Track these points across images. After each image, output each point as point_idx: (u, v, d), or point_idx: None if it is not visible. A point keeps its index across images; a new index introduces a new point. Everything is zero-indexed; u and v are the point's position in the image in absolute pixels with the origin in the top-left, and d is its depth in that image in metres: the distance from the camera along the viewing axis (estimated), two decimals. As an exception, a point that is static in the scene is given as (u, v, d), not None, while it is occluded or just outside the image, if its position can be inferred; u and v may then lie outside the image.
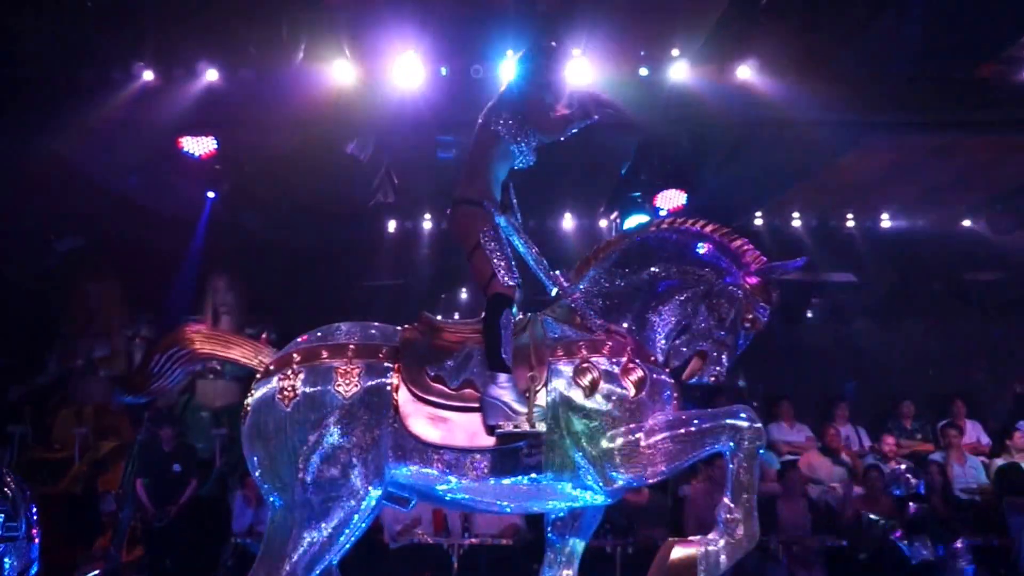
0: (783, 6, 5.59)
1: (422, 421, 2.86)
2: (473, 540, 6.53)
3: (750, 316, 3.05)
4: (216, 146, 7.24)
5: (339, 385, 2.86)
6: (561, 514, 3.12)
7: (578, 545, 3.14)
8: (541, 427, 2.81)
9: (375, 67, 6.50)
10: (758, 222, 9.39)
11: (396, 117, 6.80)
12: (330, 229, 9.08)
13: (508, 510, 3.09)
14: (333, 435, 2.81)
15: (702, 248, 3.11)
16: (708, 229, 3.15)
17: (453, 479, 2.87)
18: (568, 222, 9.43)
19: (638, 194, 7.42)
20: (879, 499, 7.18)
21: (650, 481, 2.90)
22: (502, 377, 2.84)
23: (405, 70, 6.46)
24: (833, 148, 7.15)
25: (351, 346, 2.95)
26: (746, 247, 3.11)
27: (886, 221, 9.47)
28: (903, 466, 7.35)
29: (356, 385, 2.86)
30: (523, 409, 2.80)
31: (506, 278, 2.97)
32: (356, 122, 6.98)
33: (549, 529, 3.17)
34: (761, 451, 2.85)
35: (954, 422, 7.74)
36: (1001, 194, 8.75)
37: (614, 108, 3.33)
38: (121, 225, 8.41)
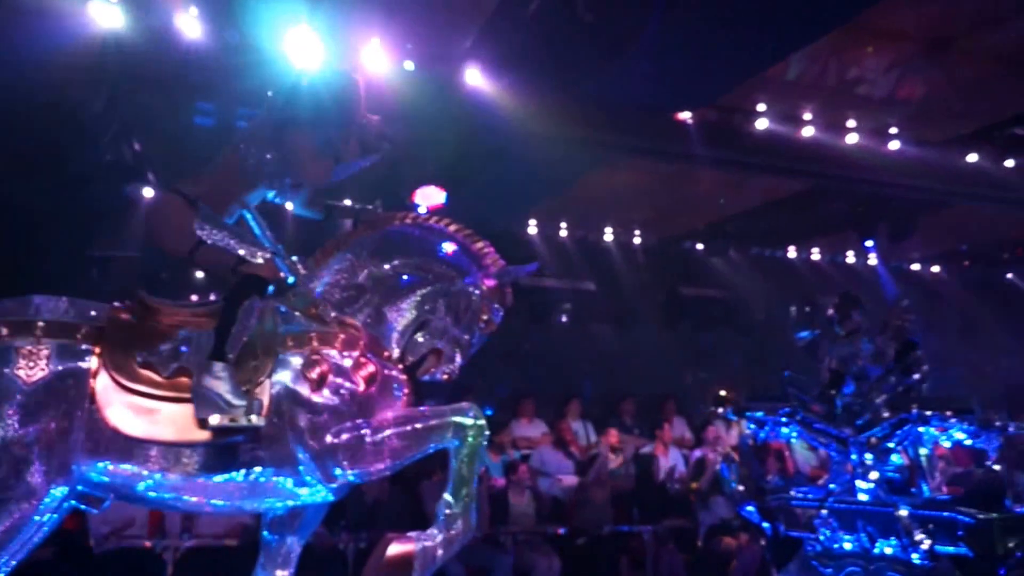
0: (541, 27, 5.88)
1: (124, 412, 2.60)
2: (193, 542, 6.09)
3: (485, 317, 3.07)
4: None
5: (20, 368, 2.52)
6: (280, 512, 2.99)
7: (296, 545, 3.03)
8: (259, 421, 2.64)
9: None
10: (516, 227, 9.93)
11: (142, 72, 6.13)
12: (52, 189, 7.92)
13: (219, 509, 2.85)
14: (9, 427, 2.47)
15: (444, 246, 3.09)
16: (452, 228, 3.12)
17: (157, 476, 2.64)
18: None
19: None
20: (604, 488, 7.91)
21: (374, 477, 2.84)
22: (218, 366, 2.64)
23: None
24: (582, 164, 7.74)
25: (40, 324, 2.59)
26: (487, 249, 3.12)
27: (623, 236, 10.49)
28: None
29: (43, 369, 2.54)
30: (240, 402, 2.62)
31: (258, 255, 2.77)
32: (88, 71, 6.16)
33: (266, 528, 3.04)
34: (484, 447, 2.86)
35: (661, 419, 8.80)
36: (718, 221, 10.12)
37: (391, 141, 3.19)
38: None
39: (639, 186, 8.82)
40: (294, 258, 2.95)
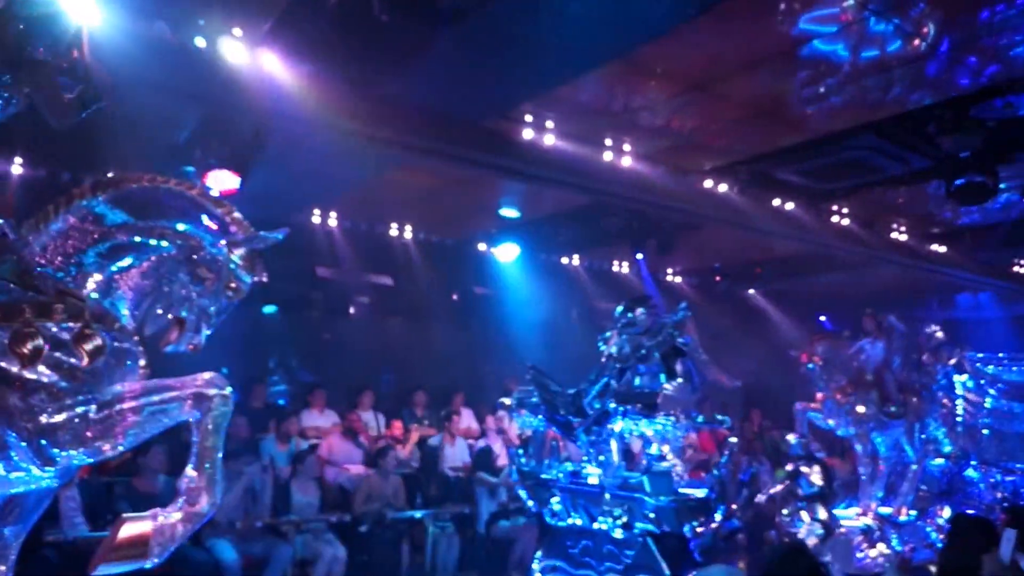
0: (339, 21, 5.91)
1: None
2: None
3: (233, 284, 2.92)
4: None
5: None
6: None
7: (14, 537, 2.81)
8: None
9: None
10: (315, 219, 9.87)
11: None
12: None
13: None
14: None
15: (187, 210, 2.90)
16: (194, 191, 2.95)
17: None
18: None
19: (191, 169, 7.11)
20: (390, 477, 8.13)
21: (107, 455, 2.64)
22: None
23: None
24: (379, 162, 7.89)
25: None
26: (233, 214, 2.95)
27: (421, 234, 10.80)
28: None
29: None
30: None
31: None
32: None
33: None
34: (227, 418, 2.71)
35: (450, 411, 9.21)
36: (509, 225, 10.76)
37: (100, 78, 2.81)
38: None
39: (436, 187, 9.14)
40: (0, 221, 2.68)
